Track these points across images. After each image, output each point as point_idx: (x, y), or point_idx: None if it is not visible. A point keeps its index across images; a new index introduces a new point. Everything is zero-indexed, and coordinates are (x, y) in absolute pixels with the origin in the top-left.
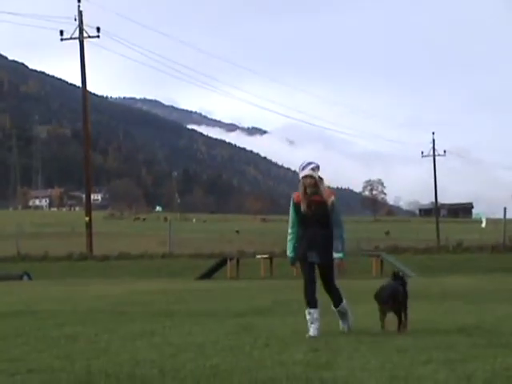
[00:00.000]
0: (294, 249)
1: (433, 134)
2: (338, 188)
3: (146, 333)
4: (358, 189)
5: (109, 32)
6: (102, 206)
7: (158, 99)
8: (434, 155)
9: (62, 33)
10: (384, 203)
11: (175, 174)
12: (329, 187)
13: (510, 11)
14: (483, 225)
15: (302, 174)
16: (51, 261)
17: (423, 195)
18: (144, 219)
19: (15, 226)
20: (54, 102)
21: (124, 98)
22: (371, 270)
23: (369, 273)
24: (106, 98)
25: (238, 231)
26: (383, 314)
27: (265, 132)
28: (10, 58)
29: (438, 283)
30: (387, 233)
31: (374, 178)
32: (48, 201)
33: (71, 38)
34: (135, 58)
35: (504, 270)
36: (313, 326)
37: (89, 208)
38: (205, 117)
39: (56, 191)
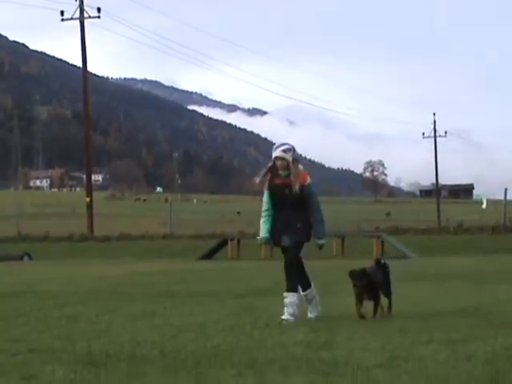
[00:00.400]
0: (267, 231)
1: (434, 115)
2: (338, 169)
3: (147, 313)
4: (358, 170)
5: (109, 12)
6: (102, 187)
7: (159, 80)
8: (435, 136)
9: (62, 13)
10: (385, 184)
11: (176, 154)
12: (304, 170)
13: None
14: (484, 206)
15: (273, 155)
16: (52, 241)
17: (424, 176)
18: (145, 200)
19: (16, 206)
20: (54, 83)
21: (124, 78)
22: (372, 251)
23: (369, 253)
24: (107, 78)
25: (239, 212)
26: (359, 299)
27: (265, 113)
28: (11, 38)
29: (439, 264)
30: (388, 214)
31: (374, 159)
32: (49, 181)
33: (72, 19)
34: (136, 38)
35: (504, 250)
36: (287, 310)
37: (89, 189)
38: (205, 97)
39: (57, 172)
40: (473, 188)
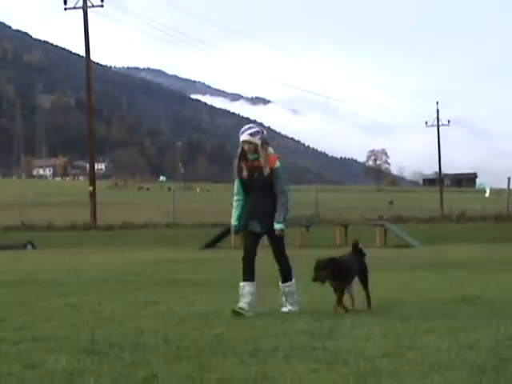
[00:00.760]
0: (238, 217)
1: (437, 103)
2: (341, 158)
3: (150, 302)
4: (361, 158)
5: (113, 1)
6: (105, 176)
7: (162, 69)
8: (438, 125)
9: (65, 2)
10: (388, 173)
11: (179, 143)
12: (274, 153)
13: None
14: (487, 195)
15: (240, 139)
16: (55, 230)
17: (427, 165)
18: (148, 189)
19: (19, 195)
20: (57, 72)
21: (128, 67)
22: (375, 240)
23: (373, 242)
24: (110, 67)
25: None
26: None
27: (268, 102)
28: (14, 27)
29: (442, 252)
30: (391, 202)
31: (377, 147)
32: (52, 170)
33: (75, 8)
34: (139, 27)
35: (507, 239)
36: (242, 299)
37: (93, 177)
38: (209, 86)
39: (60, 160)
40: (476, 177)
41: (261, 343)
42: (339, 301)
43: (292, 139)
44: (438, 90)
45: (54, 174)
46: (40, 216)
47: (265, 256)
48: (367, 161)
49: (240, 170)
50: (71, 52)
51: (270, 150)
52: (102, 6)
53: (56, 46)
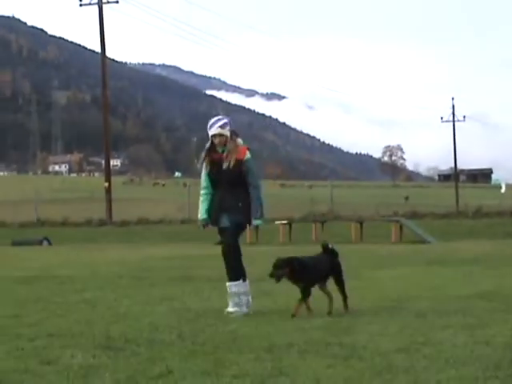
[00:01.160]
0: (206, 211)
1: (452, 99)
2: (356, 153)
3: (166, 298)
4: (377, 154)
5: None
6: (121, 172)
7: (177, 65)
8: (454, 121)
9: None
10: (403, 169)
11: (194, 139)
12: (243, 144)
13: None
14: (502, 190)
15: (210, 133)
16: (71, 226)
17: (443, 161)
18: (163, 185)
19: (35, 191)
20: (73, 68)
21: (143, 63)
22: (390, 236)
23: (388, 238)
24: (125, 63)
25: None
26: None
27: (284, 97)
28: (30, 23)
29: (457, 248)
30: (406, 198)
31: (393, 143)
32: (67, 166)
33: (90, 4)
34: (154, 23)
35: None
36: (231, 301)
37: (108, 173)
38: (224, 82)
39: (75, 157)
40: (491, 172)
41: (276, 339)
42: (301, 300)
43: (307, 135)
44: (454, 85)
45: (70, 171)
46: (55, 212)
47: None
48: (382, 156)
49: (207, 163)
50: (86, 48)
51: (239, 141)
52: (117, 1)
53: (71, 43)
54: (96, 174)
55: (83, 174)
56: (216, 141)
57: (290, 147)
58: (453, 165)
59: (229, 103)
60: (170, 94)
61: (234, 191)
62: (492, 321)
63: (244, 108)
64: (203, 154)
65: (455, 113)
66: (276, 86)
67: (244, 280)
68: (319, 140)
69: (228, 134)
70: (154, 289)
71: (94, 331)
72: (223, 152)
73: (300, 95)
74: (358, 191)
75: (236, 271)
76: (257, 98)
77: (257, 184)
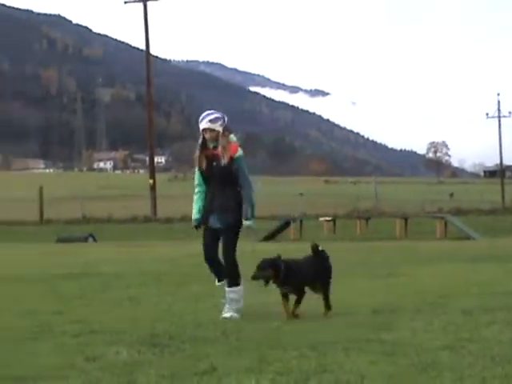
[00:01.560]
0: (199, 211)
1: (498, 95)
2: (401, 150)
3: (208, 294)
4: (421, 151)
5: None
6: (165, 168)
7: (221, 62)
8: (499, 116)
9: None
10: (448, 165)
11: (238, 136)
12: (235, 141)
13: None
14: None
15: (200, 127)
16: (115, 223)
17: (488, 157)
18: None
19: (80, 188)
20: (117, 65)
21: (187, 61)
22: (435, 232)
23: (433, 234)
24: (170, 61)
25: (301, 194)
26: (282, 293)
27: (327, 94)
28: (75, 21)
29: (503, 245)
30: (451, 195)
31: (438, 139)
32: (112, 163)
33: (135, 1)
34: (198, 20)
35: None
36: (227, 306)
37: (152, 170)
38: (268, 79)
39: (120, 154)
40: None
41: (320, 336)
42: (295, 304)
43: (351, 131)
44: (499, 80)
45: (115, 167)
46: (101, 209)
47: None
48: (427, 153)
49: (200, 160)
50: (131, 46)
51: (232, 137)
52: None
53: (116, 40)
54: (141, 171)
55: (128, 171)
56: (207, 135)
57: (334, 144)
58: (499, 161)
59: (273, 100)
60: (213, 91)
61: (225, 190)
62: None
63: (288, 105)
64: (197, 151)
65: (501, 108)
66: (320, 83)
67: (240, 285)
68: (363, 136)
69: (219, 129)
70: (196, 285)
71: (137, 328)
72: (215, 148)
73: (344, 91)
74: (403, 187)
75: (235, 277)
76: (301, 95)
77: (248, 184)
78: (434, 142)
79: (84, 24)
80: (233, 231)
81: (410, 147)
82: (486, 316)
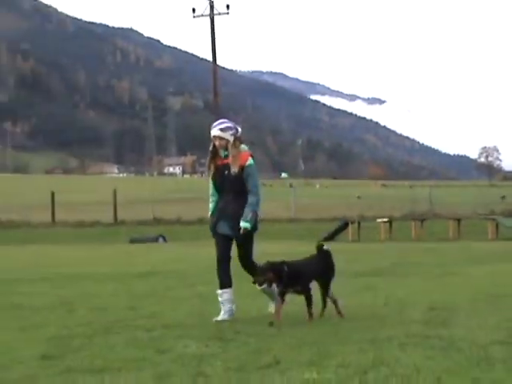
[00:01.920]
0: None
1: None
2: (454, 155)
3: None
4: (473, 155)
5: (238, 9)
6: None
7: (284, 72)
8: None
9: (194, 10)
10: (499, 169)
11: (299, 142)
12: (246, 150)
13: None
14: None
15: (211, 134)
16: (184, 224)
17: None
18: (270, 185)
19: (151, 191)
20: (186, 76)
21: (252, 71)
22: (487, 233)
23: (485, 235)
24: (235, 71)
25: (359, 197)
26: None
27: (384, 101)
28: (146, 34)
29: None
30: (503, 197)
31: (489, 144)
32: (181, 168)
33: (202, 15)
34: (262, 32)
35: None
36: (222, 308)
37: None
38: (328, 88)
39: (188, 159)
40: None
41: (377, 331)
42: (308, 306)
43: (407, 137)
44: None
45: (183, 172)
46: (170, 211)
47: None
48: (479, 157)
49: (212, 169)
50: (199, 57)
51: (243, 147)
52: (227, 13)
53: (185, 52)
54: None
55: (196, 176)
56: (216, 143)
57: (391, 149)
58: None
59: (332, 107)
60: (276, 100)
61: (237, 199)
62: None
63: (346, 112)
64: (208, 158)
65: None
66: (377, 91)
67: (231, 287)
68: (418, 142)
69: (229, 138)
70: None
71: (206, 323)
72: (226, 157)
73: (399, 99)
74: (456, 191)
75: (229, 278)
76: (359, 103)
77: (255, 191)
78: (485, 147)
79: (155, 37)
80: (248, 238)
81: (463, 152)
82: None
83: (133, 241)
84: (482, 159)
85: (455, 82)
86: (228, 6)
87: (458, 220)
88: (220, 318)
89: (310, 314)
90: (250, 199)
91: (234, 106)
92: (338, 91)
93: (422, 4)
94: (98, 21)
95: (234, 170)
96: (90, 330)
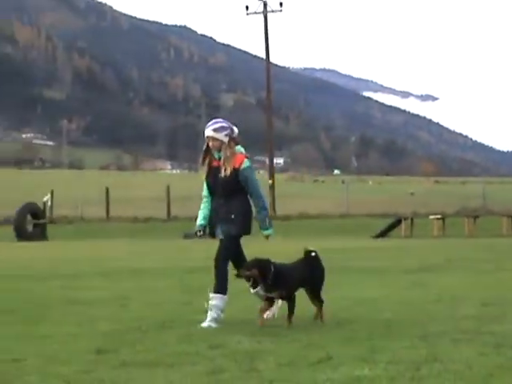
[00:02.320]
0: (204, 218)
1: None
2: (507, 151)
3: (323, 288)
4: None
5: (291, 6)
6: (283, 169)
7: (336, 69)
8: None
9: (247, 8)
10: None
11: (352, 138)
12: (242, 152)
13: None
14: None
15: (205, 134)
16: None
17: None
18: (323, 181)
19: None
20: (239, 73)
21: (304, 68)
22: None
23: None
24: (288, 68)
25: (412, 193)
26: (266, 299)
27: (437, 98)
28: (200, 32)
29: None
30: None
31: None
32: None
33: (256, 13)
34: (314, 29)
35: None
36: (209, 313)
37: (272, 171)
38: (380, 85)
39: None
40: None
41: (429, 327)
42: (290, 312)
43: (460, 134)
44: None
45: None
46: None
47: None
48: None
49: (206, 169)
50: (252, 54)
51: (238, 148)
52: (280, 10)
53: (238, 49)
54: (261, 172)
55: None
56: (210, 144)
57: (444, 146)
58: None
59: (384, 104)
60: (329, 96)
61: (228, 201)
62: None
63: (399, 109)
64: (200, 158)
65: None
66: (429, 88)
67: (225, 294)
68: (471, 139)
69: (223, 139)
70: None
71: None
72: (219, 158)
73: (452, 96)
74: (510, 187)
75: (221, 284)
76: (411, 99)
77: (258, 194)
78: None
79: (208, 34)
80: (231, 239)
81: None
82: None
83: (187, 236)
84: None
85: (509, 80)
86: (281, 4)
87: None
88: (206, 324)
89: (289, 321)
90: (259, 204)
91: (287, 103)
92: (390, 88)
93: (476, 0)
94: (151, 18)
95: (226, 172)
96: (144, 325)
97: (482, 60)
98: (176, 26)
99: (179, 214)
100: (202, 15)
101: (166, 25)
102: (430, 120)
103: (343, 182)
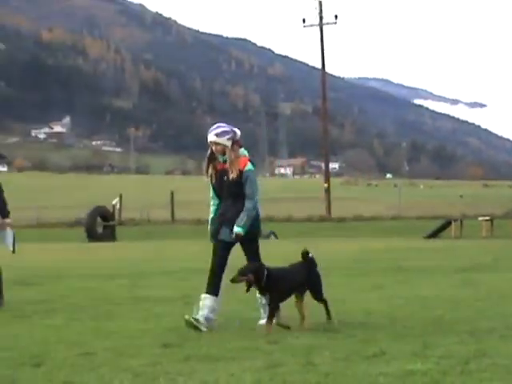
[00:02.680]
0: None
1: None
2: None
3: (377, 286)
4: None
5: (345, 18)
6: (338, 174)
7: (389, 78)
8: None
9: (304, 20)
10: None
11: (404, 144)
12: (245, 155)
13: None
14: None
15: (208, 140)
16: (294, 222)
17: None
18: (376, 185)
19: (263, 191)
20: (296, 83)
21: (358, 77)
22: None
23: None
24: (343, 78)
25: (461, 196)
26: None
27: (484, 105)
28: (259, 44)
29: None
30: None
31: None
32: (292, 169)
33: (312, 25)
34: (368, 40)
35: None
36: (200, 312)
37: (327, 175)
38: (430, 93)
39: (298, 161)
40: None
41: (478, 324)
42: (270, 316)
43: (508, 140)
44: None
45: (294, 173)
46: (281, 209)
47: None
48: None
49: (211, 174)
50: (308, 65)
51: (242, 151)
52: (335, 23)
53: (295, 60)
54: (317, 176)
55: (305, 176)
56: (213, 148)
57: (492, 151)
58: None
59: (435, 111)
60: (381, 104)
61: (236, 204)
62: None
63: (449, 116)
64: (205, 163)
65: None
66: (478, 96)
67: (217, 296)
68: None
69: (226, 143)
70: (366, 278)
71: (314, 315)
72: (225, 162)
73: (500, 103)
74: None
75: (217, 288)
76: (460, 106)
77: (252, 196)
78: None
79: (267, 46)
80: (251, 242)
81: None
82: None
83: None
84: None
85: None
86: (336, 16)
87: None
88: (198, 316)
89: (268, 323)
90: (247, 204)
91: (342, 111)
92: (440, 96)
93: None
94: (213, 32)
95: (233, 175)
96: None
97: None
98: (237, 38)
99: None
100: (261, 28)
101: (227, 38)
102: (479, 126)
103: (395, 185)
